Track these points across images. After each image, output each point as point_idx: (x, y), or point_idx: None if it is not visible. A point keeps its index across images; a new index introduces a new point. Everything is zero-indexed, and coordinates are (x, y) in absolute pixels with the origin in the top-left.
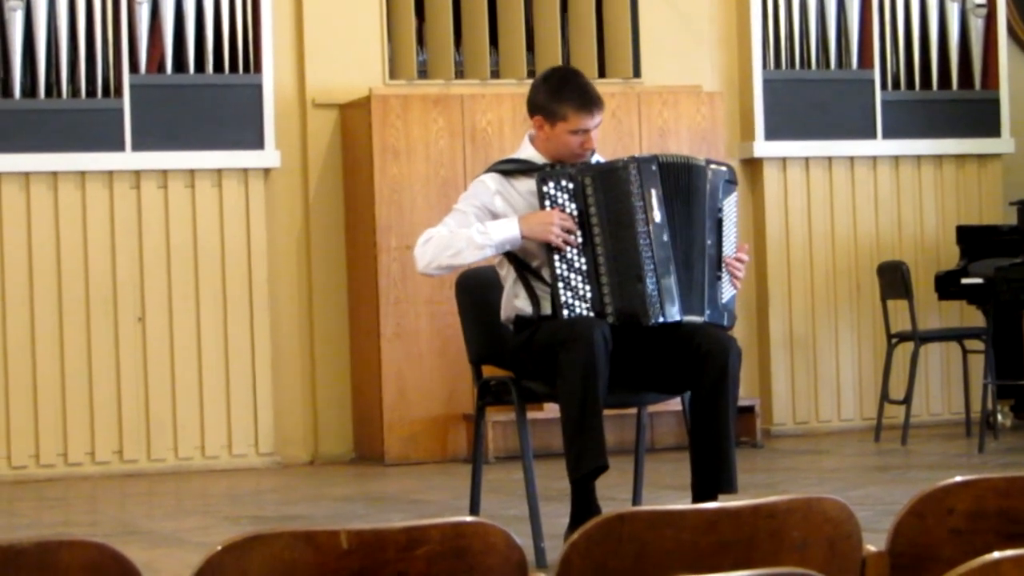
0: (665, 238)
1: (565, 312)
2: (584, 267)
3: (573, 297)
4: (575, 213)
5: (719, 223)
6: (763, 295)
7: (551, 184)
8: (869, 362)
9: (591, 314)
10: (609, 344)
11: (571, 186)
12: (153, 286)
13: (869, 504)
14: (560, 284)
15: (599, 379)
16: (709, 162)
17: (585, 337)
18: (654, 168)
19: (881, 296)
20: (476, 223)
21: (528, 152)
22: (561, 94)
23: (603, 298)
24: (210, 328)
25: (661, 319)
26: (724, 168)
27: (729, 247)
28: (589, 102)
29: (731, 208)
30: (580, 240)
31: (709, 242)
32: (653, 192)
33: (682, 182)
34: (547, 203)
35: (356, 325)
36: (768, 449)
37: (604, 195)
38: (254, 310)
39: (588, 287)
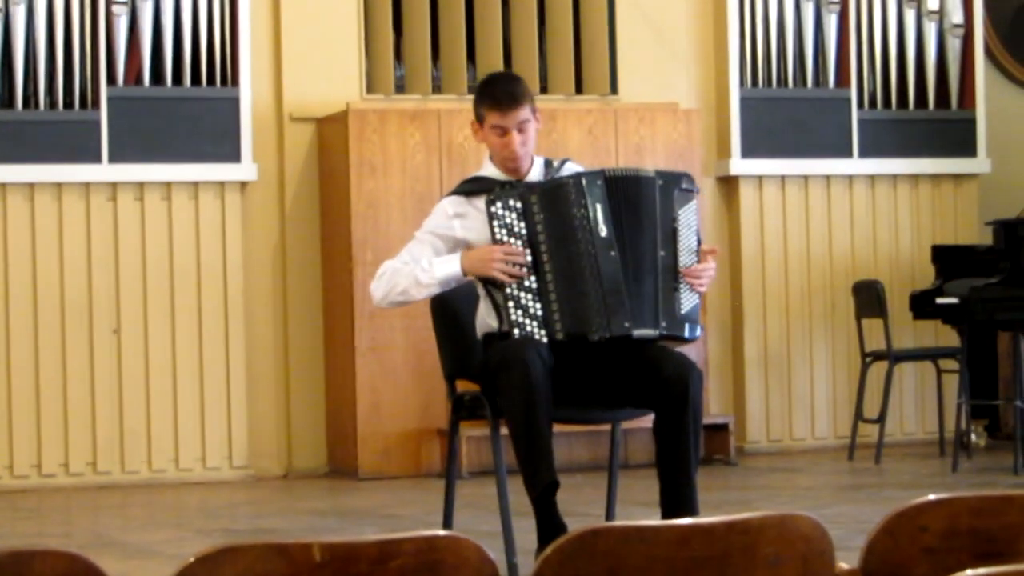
0: (612, 253)
1: (516, 331)
2: (534, 285)
3: (523, 315)
4: (524, 232)
5: (674, 232)
6: (738, 313)
7: (499, 204)
8: (843, 381)
9: (541, 331)
10: (547, 363)
11: (519, 205)
12: (129, 298)
13: (842, 522)
14: (511, 303)
15: (538, 399)
16: (659, 172)
17: (520, 359)
18: (599, 183)
19: (856, 315)
20: (428, 254)
21: (488, 169)
22: (482, 94)
23: (552, 315)
24: (185, 341)
25: (607, 334)
26: (678, 176)
27: (687, 256)
28: (499, 98)
29: (689, 216)
30: (530, 259)
31: (662, 253)
32: (598, 207)
33: (631, 195)
34: (495, 223)
35: (331, 339)
36: (741, 467)
37: (550, 213)
38: (229, 323)
39: (538, 305)
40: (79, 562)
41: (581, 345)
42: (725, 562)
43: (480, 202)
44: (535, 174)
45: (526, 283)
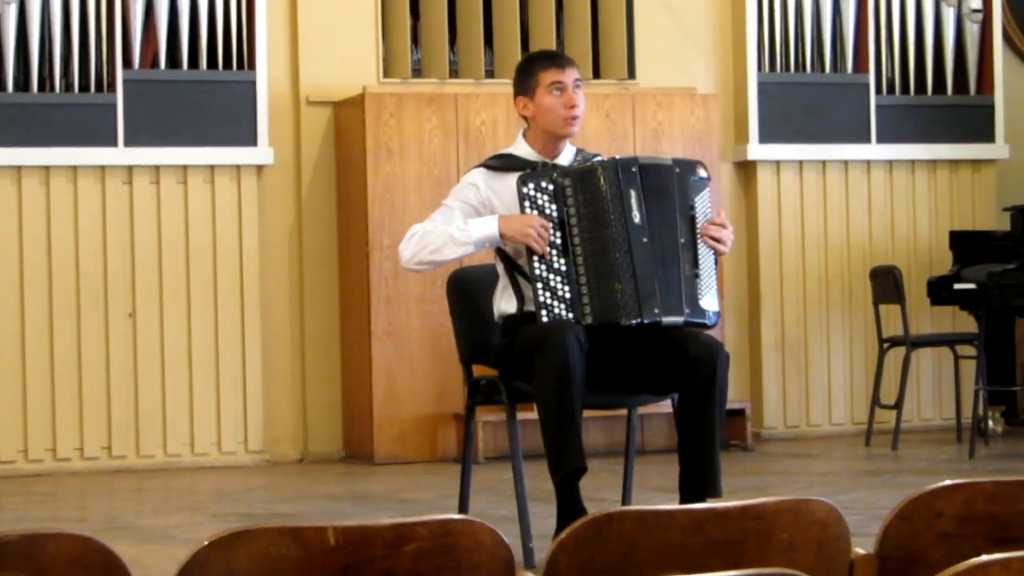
0: (644, 239)
1: (543, 312)
2: (564, 268)
3: (552, 298)
4: (555, 215)
5: (692, 220)
6: (755, 298)
7: (531, 186)
8: (861, 366)
9: (569, 315)
10: (584, 347)
11: (551, 188)
12: (144, 282)
13: (859, 508)
14: (539, 285)
15: (574, 382)
16: (676, 160)
17: (558, 341)
18: (634, 170)
19: (873, 300)
20: (460, 219)
21: (520, 148)
22: (530, 63)
23: (582, 299)
24: (201, 325)
25: (638, 320)
26: (693, 164)
27: (703, 245)
28: (556, 57)
29: (704, 204)
30: (560, 242)
31: (683, 241)
32: (632, 193)
33: (656, 183)
34: (527, 204)
35: (347, 323)
36: (758, 452)
37: (584, 197)
38: (245, 307)
39: (567, 288)
40: (92, 545)
41: (607, 330)
42: (740, 547)
43: (509, 179)
44: (565, 159)
45: (555, 265)
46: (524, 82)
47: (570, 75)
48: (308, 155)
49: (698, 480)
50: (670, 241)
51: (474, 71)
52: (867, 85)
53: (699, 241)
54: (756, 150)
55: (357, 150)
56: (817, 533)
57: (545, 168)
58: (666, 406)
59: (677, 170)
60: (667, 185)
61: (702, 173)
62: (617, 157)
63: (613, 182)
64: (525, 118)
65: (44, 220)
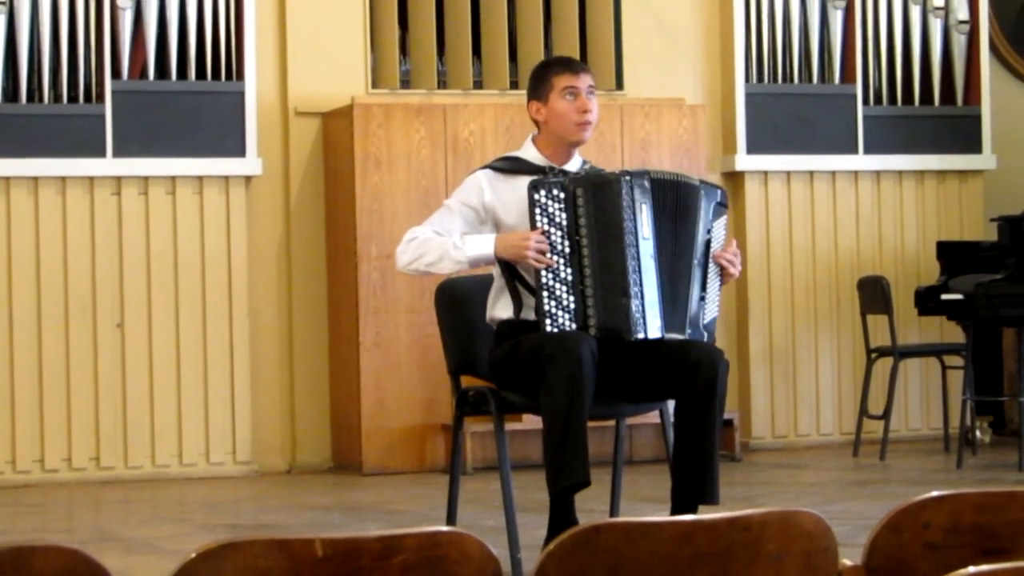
0: (653, 254)
1: (547, 322)
2: (570, 278)
3: (557, 307)
4: (564, 223)
5: (707, 244)
6: (743, 308)
7: (542, 192)
8: (848, 377)
9: (573, 326)
10: (596, 360)
11: (562, 195)
12: (133, 292)
13: (847, 519)
14: (544, 293)
15: (585, 394)
16: (703, 182)
17: (573, 352)
18: (647, 184)
19: (861, 311)
20: (459, 223)
21: (529, 152)
22: (545, 68)
23: (587, 311)
24: (189, 335)
25: (642, 335)
26: (717, 190)
27: (715, 268)
28: (571, 62)
29: (720, 230)
30: (568, 251)
31: (695, 262)
32: (644, 208)
33: (673, 200)
34: (537, 211)
35: (335, 334)
36: (746, 463)
37: (595, 207)
38: (233, 318)
39: (572, 299)
40: (80, 558)
41: (608, 342)
42: (728, 559)
43: (516, 181)
44: (573, 167)
45: (562, 274)
46: (538, 87)
47: (584, 81)
48: (296, 166)
49: (696, 485)
50: (681, 260)
51: (462, 82)
52: (854, 96)
53: (711, 264)
54: (744, 161)
55: (345, 161)
56: (805, 544)
57: (555, 174)
58: (654, 416)
59: (703, 192)
60: (687, 204)
61: (723, 200)
62: (631, 170)
63: (626, 194)
64: (537, 123)
65: (32, 231)
